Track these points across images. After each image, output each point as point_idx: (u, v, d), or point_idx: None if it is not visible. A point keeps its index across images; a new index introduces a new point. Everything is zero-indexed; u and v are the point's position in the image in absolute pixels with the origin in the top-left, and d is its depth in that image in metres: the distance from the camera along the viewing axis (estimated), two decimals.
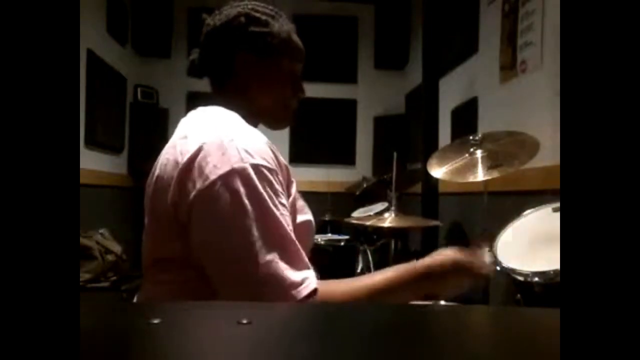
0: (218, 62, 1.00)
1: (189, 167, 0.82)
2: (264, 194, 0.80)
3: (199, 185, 0.80)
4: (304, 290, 0.77)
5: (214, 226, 0.81)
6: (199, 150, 0.82)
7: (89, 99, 3.38)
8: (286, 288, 0.77)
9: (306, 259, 0.82)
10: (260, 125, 1.07)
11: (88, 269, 2.75)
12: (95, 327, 0.45)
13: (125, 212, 3.86)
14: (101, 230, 3.06)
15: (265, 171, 0.81)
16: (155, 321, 0.44)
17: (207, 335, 0.43)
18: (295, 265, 0.79)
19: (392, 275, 0.89)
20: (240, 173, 0.79)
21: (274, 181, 0.82)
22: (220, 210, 0.79)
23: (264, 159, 0.82)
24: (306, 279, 0.79)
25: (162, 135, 4.02)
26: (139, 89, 4.35)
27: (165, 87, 4.50)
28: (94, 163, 3.51)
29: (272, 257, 0.78)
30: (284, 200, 0.83)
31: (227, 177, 0.79)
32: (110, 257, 2.89)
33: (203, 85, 1.05)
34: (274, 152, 0.86)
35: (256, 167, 0.80)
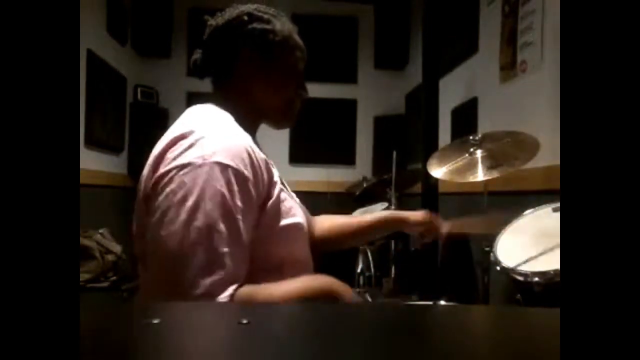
0: (220, 60, 1.00)
1: (158, 160, 0.84)
2: (214, 192, 0.78)
3: (156, 174, 0.82)
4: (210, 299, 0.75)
5: (156, 213, 0.81)
6: (169, 145, 0.84)
7: (89, 99, 3.37)
8: (193, 295, 0.75)
9: (231, 269, 0.78)
10: (261, 125, 1.07)
11: (88, 269, 2.75)
12: (95, 327, 0.45)
13: (125, 212, 3.82)
14: (101, 230, 3.06)
15: (227, 171, 0.80)
16: (155, 321, 0.44)
17: (207, 335, 0.43)
18: (212, 271, 0.76)
19: (302, 288, 0.86)
20: (195, 168, 0.79)
21: (234, 183, 0.80)
22: (164, 199, 0.80)
23: (233, 160, 0.81)
24: (208, 292, 0.75)
25: (162, 135, 4.00)
26: (139, 89, 4.34)
27: (165, 87, 4.50)
28: (94, 163, 3.51)
29: (192, 259, 0.76)
30: (239, 203, 0.81)
31: (180, 169, 0.80)
32: (110, 257, 2.89)
33: (203, 85, 1.05)
34: (251, 155, 0.85)
35: (215, 166, 0.80)
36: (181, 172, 0.79)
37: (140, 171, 0.89)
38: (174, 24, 4.54)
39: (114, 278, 2.85)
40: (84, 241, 2.82)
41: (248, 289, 0.81)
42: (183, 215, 0.77)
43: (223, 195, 0.79)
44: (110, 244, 2.99)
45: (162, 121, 4.32)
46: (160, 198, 0.80)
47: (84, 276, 2.72)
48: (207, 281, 0.76)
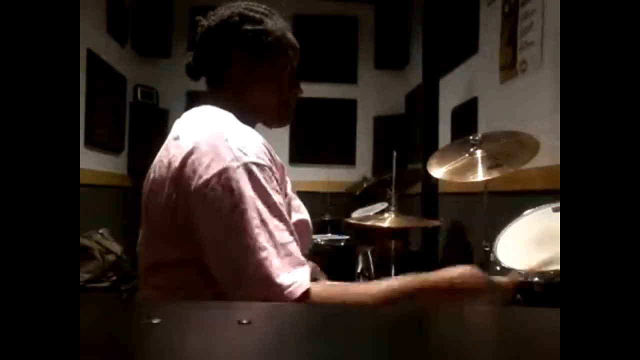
0: (213, 62, 0.99)
1: (183, 167, 0.82)
2: (258, 191, 0.80)
3: (193, 184, 0.81)
4: (293, 294, 0.76)
5: (209, 225, 0.81)
6: (192, 150, 0.83)
7: (89, 99, 3.37)
8: (276, 291, 0.76)
9: (299, 256, 0.81)
10: (260, 125, 1.07)
11: (88, 269, 2.75)
12: (95, 327, 0.45)
13: (125, 212, 3.85)
14: (101, 230, 3.06)
15: (259, 169, 0.81)
16: (155, 321, 0.44)
17: (207, 335, 0.43)
18: (287, 263, 0.78)
19: (396, 288, 0.83)
20: (234, 171, 0.80)
21: (268, 178, 0.82)
22: (214, 208, 0.79)
23: (259, 156, 0.83)
24: (295, 282, 0.77)
25: (162, 135, 3.94)
26: (139, 89, 4.34)
27: (165, 87, 4.49)
28: (94, 163, 3.50)
29: (264, 256, 0.77)
30: (278, 197, 0.83)
31: (220, 175, 0.80)
32: (110, 257, 2.89)
33: (203, 85, 1.05)
34: (269, 151, 0.86)
35: (250, 165, 0.81)
36: (222, 179, 0.79)
37: (141, 171, 0.88)
38: (174, 24, 4.54)
39: (114, 278, 2.85)
40: (84, 241, 2.82)
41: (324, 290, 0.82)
42: (239, 220, 0.78)
43: (264, 191, 0.81)
44: (110, 244, 2.99)
45: (162, 121, 4.32)
46: (211, 209, 0.80)
47: (84, 276, 2.72)
48: (292, 282, 0.77)
